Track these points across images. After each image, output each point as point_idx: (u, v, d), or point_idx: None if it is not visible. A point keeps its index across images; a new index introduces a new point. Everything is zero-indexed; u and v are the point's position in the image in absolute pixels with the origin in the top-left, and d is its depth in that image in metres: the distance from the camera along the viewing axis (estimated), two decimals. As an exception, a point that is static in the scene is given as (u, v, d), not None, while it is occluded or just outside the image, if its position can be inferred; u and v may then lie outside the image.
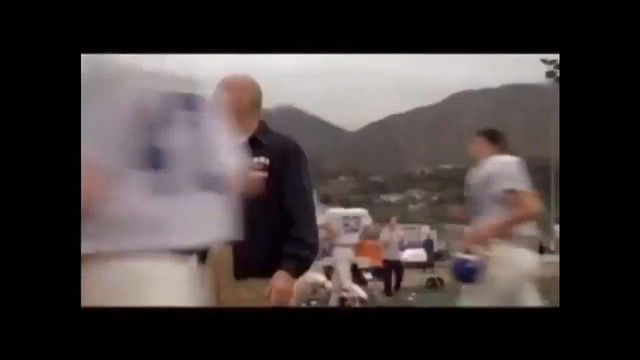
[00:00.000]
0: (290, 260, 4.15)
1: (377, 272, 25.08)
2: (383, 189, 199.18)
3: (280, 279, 4.12)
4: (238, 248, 4.01)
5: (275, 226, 4.14)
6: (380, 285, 21.68)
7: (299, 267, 4.27)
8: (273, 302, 4.15)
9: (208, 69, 3.72)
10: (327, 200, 16.54)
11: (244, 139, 4.11)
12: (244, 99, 4.23)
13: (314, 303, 15.37)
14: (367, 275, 20.71)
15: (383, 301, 18.13)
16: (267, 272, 4.18)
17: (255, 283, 4.11)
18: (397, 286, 20.49)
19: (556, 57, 68.85)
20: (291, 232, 4.20)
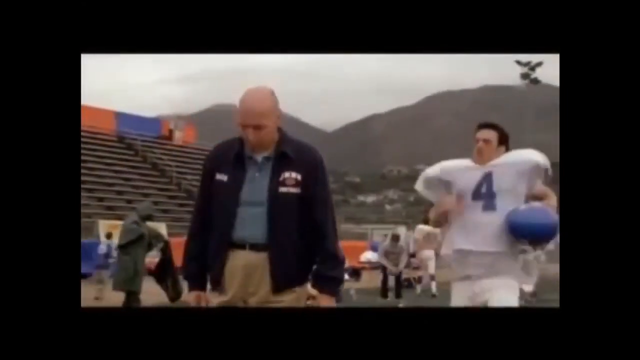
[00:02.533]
0: (332, 282, 4.17)
1: (353, 273, 25.12)
2: (359, 189, 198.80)
3: (325, 301, 4.15)
4: (275, 264, 4.03)
5: (306, 239, 4.16)
6: (356, 285, 21.72)
7: (338, 287, 4.35)
8: None
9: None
10: None
11: (270, 152, 4.08)
12: (277, 119, 4.19)
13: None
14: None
15: (358, 302, 18.03)
16: (300, 284, 4.21)
17: (288, 293, 4.13)
18: (398, 293, 19.33)
19: (531, 58, 69.34)
20: (324, 247, 4.20)
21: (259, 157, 4.15)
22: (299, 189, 4.12)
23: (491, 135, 5.46)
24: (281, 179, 4.10)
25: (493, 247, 5.13)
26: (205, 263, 4.22)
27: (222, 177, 4.14)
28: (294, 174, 4.12)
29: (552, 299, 16.98)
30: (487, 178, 5.32)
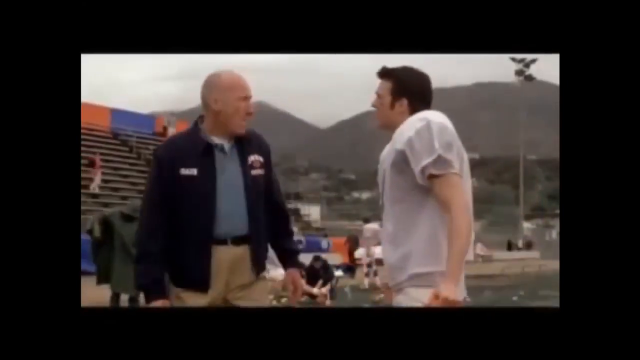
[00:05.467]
0: (297, 257, 4.35)
1: (347, 269, 25.29)
2: (354, 186, 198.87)
3: (297, 276, 4.29)
4: (254, 248, 4.14)
5: (271, 221, 4.24)
6: (351, 282, 21.90)
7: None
8: (296, 300, 4.31)
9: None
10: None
11: (231, 138, 4.10)
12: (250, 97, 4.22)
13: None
14: (338, 272, 20.87)
15: (353, 299, 18.11)
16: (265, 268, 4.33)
17: (263, 277, 4.24)
18: None
19: (525, 55, 69.36)
20: (288, 227, 4.49)
21: (227, 144, 4.14)
22: (263, 171, 4.18)
23: (383, 87, 3.81)
24: (249, 162, 4.13)
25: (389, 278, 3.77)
26: (164, 267, 4.10)
27: (190, 171, 4.04)
28: (257, 157, 4.18)
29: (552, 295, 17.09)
30: (382, 175, 3.85)
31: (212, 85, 4.15)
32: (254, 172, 4.14)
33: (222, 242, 4.05)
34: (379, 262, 21.03)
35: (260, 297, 4.26)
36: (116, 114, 45.98)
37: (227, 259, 4.04)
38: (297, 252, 4.46)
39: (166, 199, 4.06)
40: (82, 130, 38.60)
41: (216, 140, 4.13)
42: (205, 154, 4.08)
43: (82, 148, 36.94)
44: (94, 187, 35.25)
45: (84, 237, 10.73)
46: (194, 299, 4.05)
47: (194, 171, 4.03)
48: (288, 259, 4.40)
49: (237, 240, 4.06)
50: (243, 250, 4.07)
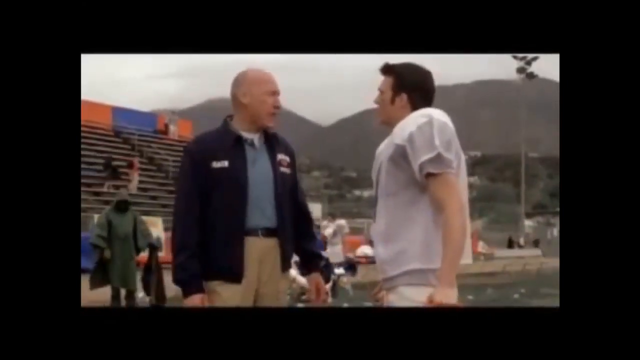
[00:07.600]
0: (319, 261, 4.38)
1: (349, 267, 25.28)
2: (356, 184, 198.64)
3: (320, 280, 4.34)
4: (283, 242, 4.20)
5: (295, 223, 4.28)
6: (353, 279, 21.90)
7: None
8: (320, 302, 4.33)
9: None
10: None
11: (261, 135, 4.15)
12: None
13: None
14: (339, 270, 20.90)
15: (354, 297, 18.11)
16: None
17: (287, 274, 4.28)
18: None
19: (526, 53, 69.25)
20: (311, 230, 4.52)
21: (257, 140, 4.18)
22: (290, 171, 4.21)
23: (385, 83, 3.78)
24: (278, 159, 4.17)
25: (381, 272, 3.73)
26: (200, 262, 4.11)
27: (221, 163, 4.10)
28: (284, 156, 4.23)
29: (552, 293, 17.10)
30: (378, 169, 3.82)
31: (241, 80, 4.24)
32: (282, 169, 4.21)
33: (253, 233, 4.10)
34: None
35: (284, 297, 4.40)
36: (118, 112, 45.87)
37: (258, 251, 4.09)
38: (320, 256, 4.50)
39: (199, 193, 4.12)
40: (84, 129, 38.57)
41: (246, 134, 4.19)
42: (235, 146, 4.14)
43: (84, 146, 36.94)
44: (133, 188, 35.33)
45: (84, 235, 10.79)
46: (228, 292, 4.08)
47: (225, 163, 4.09)
48: (311, 262, 4.46)
49: (267, 233, 4.11)
50: (273, 244, 4.12)
